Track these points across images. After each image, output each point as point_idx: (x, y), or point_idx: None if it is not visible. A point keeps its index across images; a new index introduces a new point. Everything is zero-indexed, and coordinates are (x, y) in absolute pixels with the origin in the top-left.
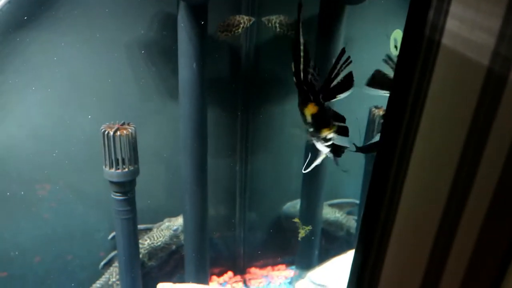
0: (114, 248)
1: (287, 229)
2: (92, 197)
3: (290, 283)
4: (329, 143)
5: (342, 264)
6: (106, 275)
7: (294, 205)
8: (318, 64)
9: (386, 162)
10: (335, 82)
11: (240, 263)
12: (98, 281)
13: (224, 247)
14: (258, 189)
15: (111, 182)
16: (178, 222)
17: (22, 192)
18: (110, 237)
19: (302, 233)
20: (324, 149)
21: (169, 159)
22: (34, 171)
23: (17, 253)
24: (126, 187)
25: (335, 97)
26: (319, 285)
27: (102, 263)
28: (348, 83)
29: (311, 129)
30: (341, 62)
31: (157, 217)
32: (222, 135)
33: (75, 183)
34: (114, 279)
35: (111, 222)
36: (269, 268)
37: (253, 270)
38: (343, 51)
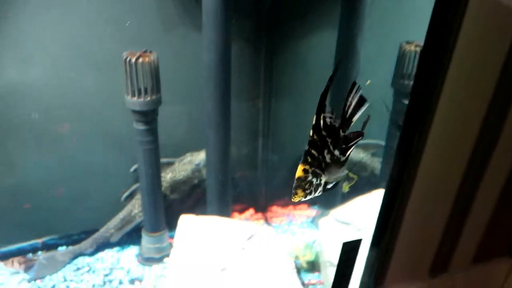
0: (136, 182)
1: None
2: (113, 132)
3: (312, 222)
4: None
5: (366, 204)
6: (129, 207)
7: None
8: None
9: (417, 110)
10: (350, 110)
11: (261, 201)
12: (120, 213)
13: (245, 185)
14: (281, 129)
15: (134, 111)
16: (200, 156)
17: (45, 128)
18: (132, 169)
19: (346, 187)
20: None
21: (191, 91)
22: (56, 107)
23: (41, 186)
24: (149, 116)
25: (352, 121)
26: (343, 222)
27: (124, 195)
28: (361, 102)
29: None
30: (353, 94)
31: (179, 152)
32: (245, 74)
33: (97, 118)
34: (136, 211)
35: (132, 157)
36: (291, 207)
37: (274, 208)
38: (353, 84)
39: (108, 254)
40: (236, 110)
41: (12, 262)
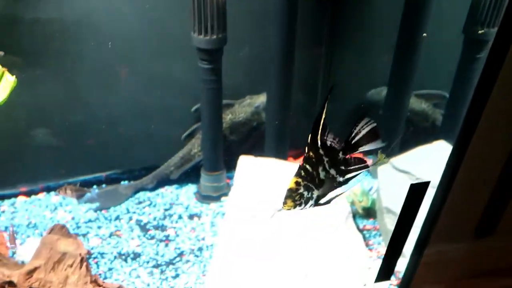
0: (196, 121)
1: (369, 117)
2: (176, 71)
3: (368, 170)
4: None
5: (426, 154)
6: (188, 146)
7: (378, 92)
8: None
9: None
10: (357, 138)
11: None
12: (180, 152)
13: (302, 132)
14: (342, 78)
15: (199, 49)
16: (259, 100)
17: (109, 65)
18: (193, 109)
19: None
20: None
21: (255, 32)
22: (121, 42)
23: (105, 123)
24: (214, 55)
25: (357, 150)
26: (401, 171)
27: (184, 135)
28: (374, 137)
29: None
30: (361, 125)
31: (239, 94)
32: (309, 19)
33: (161, 56)
34: (196, 150)
35: (194, 97)
36: None
37: None
38: (362, 116)
39: (168, 191)
40: (298, 56)
41: (65, 189)
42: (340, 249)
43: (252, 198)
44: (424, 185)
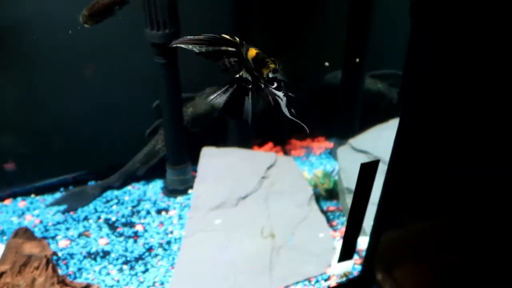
0: (158, 117)
1: (327, 100)
2: (135, 67)
3: (330, 153)
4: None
5: (383, 133)
6: (152, 142)
7: (335, 75)
8: None
9: None
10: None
11: (280, 135)
12: (145, 148)
13: (264, 120)
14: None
15: (153, 44)
16: None
17: (69, 66)
18: (154, 105)
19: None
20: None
21: (208, 27)
22: (77, 43)
23: (68, 125)
24: (168, 49)
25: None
26: (360, 151)
27: (148, 131)
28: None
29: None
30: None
31: (198, 87)
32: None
33: (118, 54)
34: (160, 146)
35: (154, 94)
36: (309, 140)
37: (293, 141)
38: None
39: (135, 188)
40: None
41: None
42: (304, 231)
43: (215, 187)
44: (374, 164)
